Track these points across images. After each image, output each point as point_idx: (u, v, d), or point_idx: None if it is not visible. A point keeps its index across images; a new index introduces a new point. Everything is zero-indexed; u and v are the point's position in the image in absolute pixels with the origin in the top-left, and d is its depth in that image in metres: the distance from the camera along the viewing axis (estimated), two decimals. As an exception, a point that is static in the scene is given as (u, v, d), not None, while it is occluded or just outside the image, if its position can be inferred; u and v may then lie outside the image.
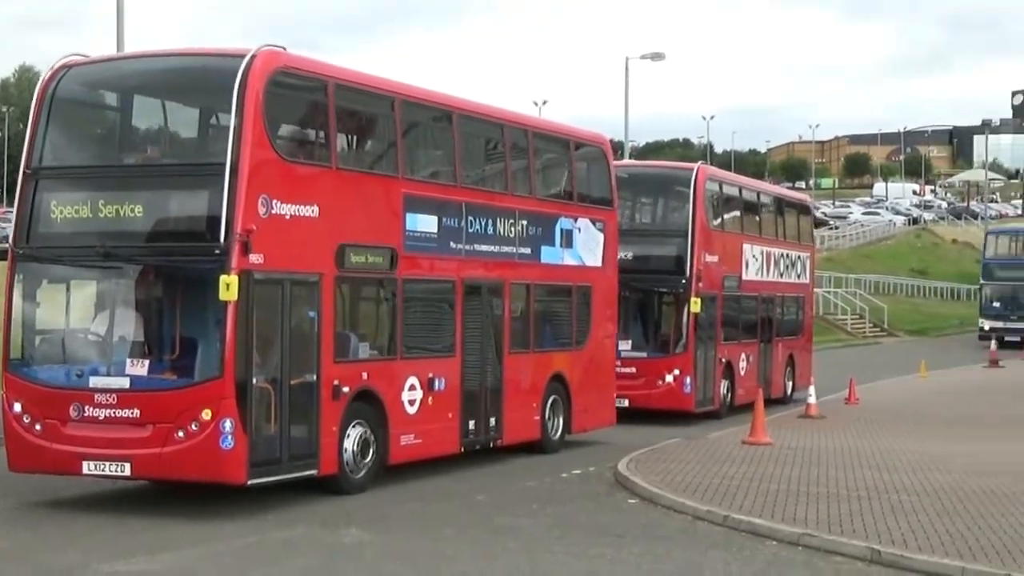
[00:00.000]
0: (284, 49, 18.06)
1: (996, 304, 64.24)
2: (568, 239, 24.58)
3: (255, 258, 16.85)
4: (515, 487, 20.29)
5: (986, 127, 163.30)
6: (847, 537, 15.68)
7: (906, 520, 16.76)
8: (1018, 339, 60.64)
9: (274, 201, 17.29)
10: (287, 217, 17.54)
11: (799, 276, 37.51)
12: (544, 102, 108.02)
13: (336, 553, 15.06)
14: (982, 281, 66.29)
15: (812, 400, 30.95)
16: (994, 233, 72.03)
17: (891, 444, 25.18)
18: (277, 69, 17.66)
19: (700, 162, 33.65)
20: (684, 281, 29.51)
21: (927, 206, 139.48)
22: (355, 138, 20.53)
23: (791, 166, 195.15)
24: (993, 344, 55.22)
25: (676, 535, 16.34)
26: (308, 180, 18.20)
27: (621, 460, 21.85)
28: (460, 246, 21.46)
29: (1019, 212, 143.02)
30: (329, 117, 18.76)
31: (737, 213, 33.71)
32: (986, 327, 63.83)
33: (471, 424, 21.77)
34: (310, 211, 17.97)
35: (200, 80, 18.79)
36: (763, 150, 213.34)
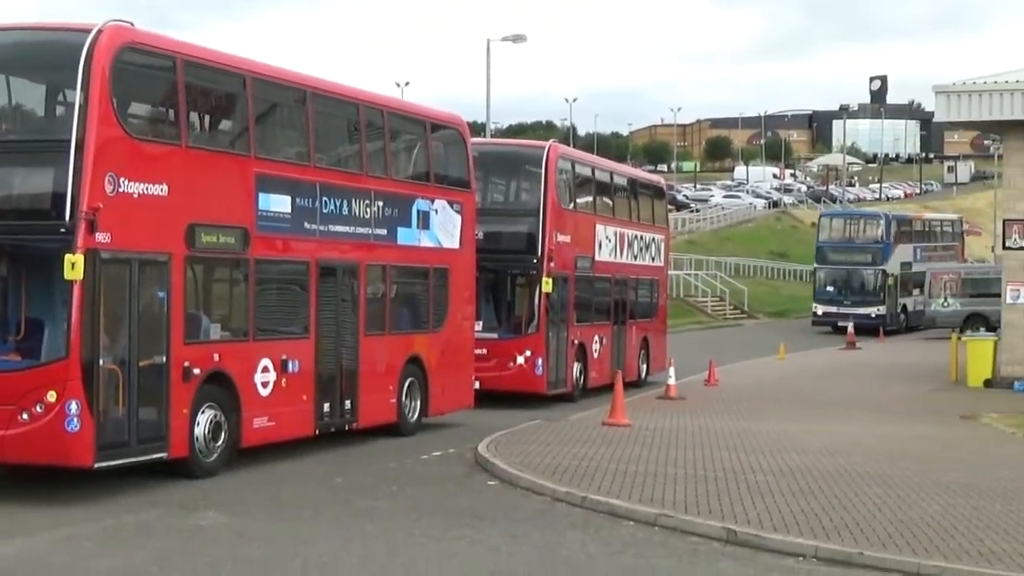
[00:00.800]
0: (132, 24, 17.78)
1: (830, 288, 63.58)
2: (425, 221, 24.52)
3: (102, 237, 16.60)
4: (374, 469, 20.25)
5: (844, 112, 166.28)
6: (703, 517, 15.88)
7: (762, 500, 17.01)
8: (851, 324, 57.66)
9: (121, 179, 17.05)
10: (135, 196, 17.30)
11: (653, 258, 37.59)
12: (406, 83, 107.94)
13: (192, 536, 14.93)
14: (816, 265, 65.81)
15: (672, 381, 31.23)
16: (828, 216, 71.87)
17: (749, 425, 25.51)
18: (124, 45, 17.39)
19: (552, 140, 33.57)
20: (535, 261, 29.36)
21: (787, 189, 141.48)
22: (206, 116, 20.27)
23: (653, 149, 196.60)
24: (851, 327, 55.97)
25: (535, 516, 16.43)
26: (157, 158, 17.96)
27: (481, 442, 21.92)
28: (315, 227, 21.31)
29: (877, 196, 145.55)
30: (178, 94, 18.51)
31: (590, 193, 33.59)
32: (819, 312, 63.92)
33: (326, 407, 21.66)
34: (159, 190, 17.74)
35: (45, 55, 18.40)
36: (625, 133, 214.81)
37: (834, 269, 63.59)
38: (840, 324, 59.67)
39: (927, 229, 71.01)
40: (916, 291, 64.51)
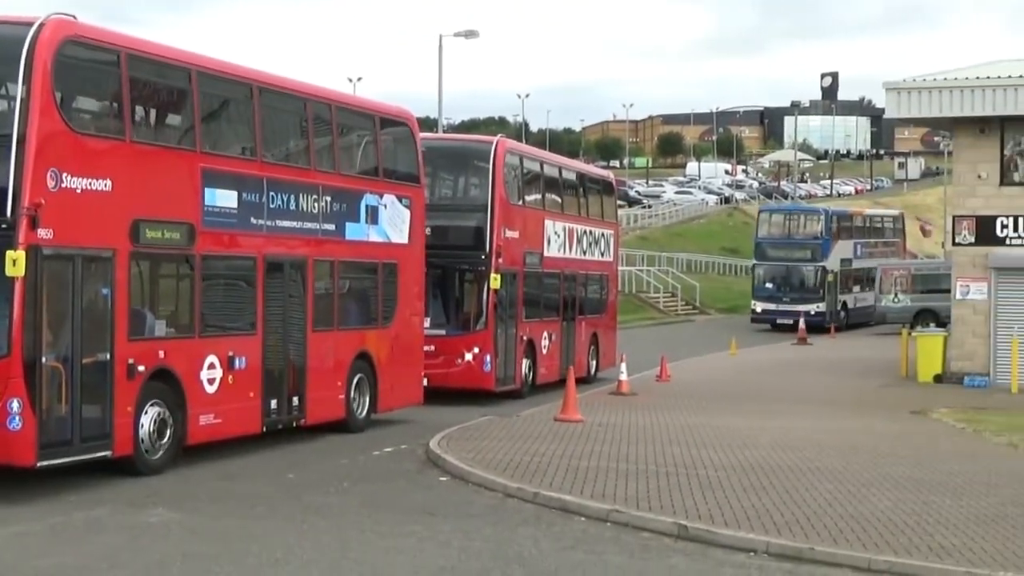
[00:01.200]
0: (75, 18, 17.63)
1: (768, 285, 61.81)
2: (373, 216, 24.41)
3: (44, 233, 16.47)
4: (326, 465, 20.20)
5: (796, 108, 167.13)
6: (655, 513, 15.89)
7: (713, 496, 17.02)
8: (791, 322, 57.51)
9: (64, 174, 16.91)
10: (78, 191, 17.16)
11: (603, 254, 37.47)
12: (358, 79, 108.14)
13: (142, 533, 14.86)
14: (755, 261, 64.07)
15: (624, 377, 31.19)
16: (767, 211, 70.06)
17: (701, 420, 25.54)
18: (67, 38, 17.24)
19: (500, 135, 33.43)
20: (484, 257, 29.21)
21: (739, 186, 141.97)
22: (151, 110, 20.12)
23: (605, 145, 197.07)
24: (802, 322, 56.04)
25: (487, 512, 16.41)
26: (101, 153, 17.82)
27: (433, 438, 21.89)
28: (261, 222, 21.19)
29: (828, 192, 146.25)
30: (122, 88, 18.34)
31: (539, 188, 33.42)
32: (758, 309, 62.42)
33: (273, 403, 21.54)
34: (103, 185, 17.60)
35: None
36: (578, 129, 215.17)
37: (773, 266, 62.10)
38: (779, 322, 59.24)
39: (868, 225, 69.57)
40: (857, 288, 63.91)
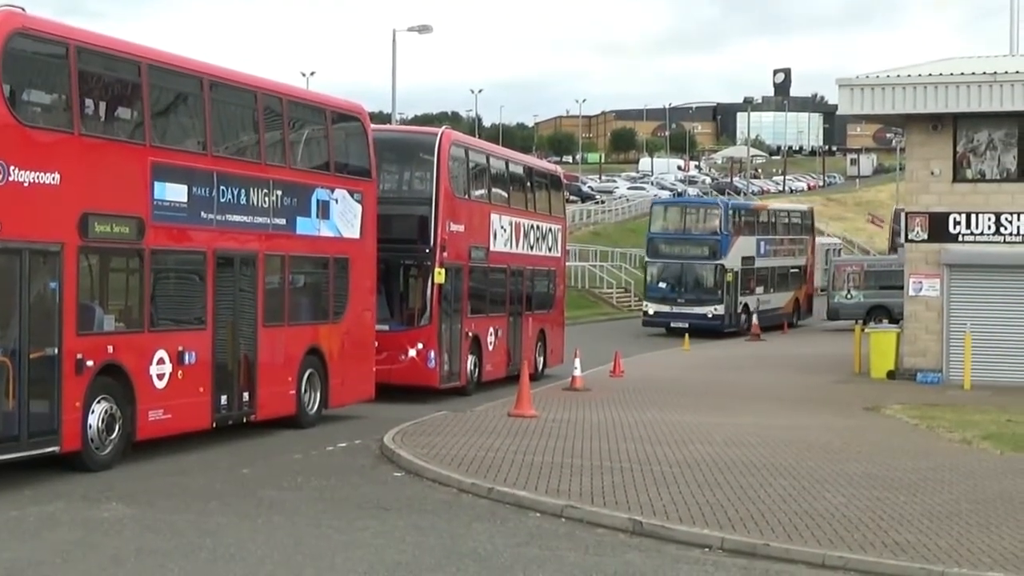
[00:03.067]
0: (23, 10, 17.55)
1: (662, 285, 56.40)
2: (325, 210, 24.36)
3: (-10, 226, 16.37)
4: (280, 460, 20.20)
5: (748, 104, 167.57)
6: (609, 509, 15.93)
7: (668, 491, 17.07)
8: (686, 325, 52.92)
9: (11, 167, 16.85)
10: (25, 184, 17.09)
11: (550, 249, 37.14)
12: (312, 73, 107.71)
13: (96, 527, 14.83)
14: (647, 259, 58.37)
15: (577, 372, 31.22)
16: (661, 204, 64.29)
17: (655, 416, 25.59)
18: (15, 30, 17.16)
19: (445, 126, 33.10)
20: (428, 251, 28.89)
21: (691, 181, 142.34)
22: (101, 103, 19.96)
23: (558, 140, 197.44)
24: (755, 319, 56.14)
25: (440, 508, 16.42)
26: (49, 146, 17.72)
27: (387, 433, 21.89)
28: (211, 216, 21.14)
29: (780, 188, 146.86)
30: (71, 81, 18.24)
31: (485, 182, 33.07)
32: (651, 311, 56.70)
33: (223, 399, 21.50)
34: (51, 178, 17.53)
35: None
36: (531, 124, 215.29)
37: (667, 264, 56.48)
38: (674, 325, 54.76)
39: (773, 220, 63.14)
40: (760, 289, 58.96)
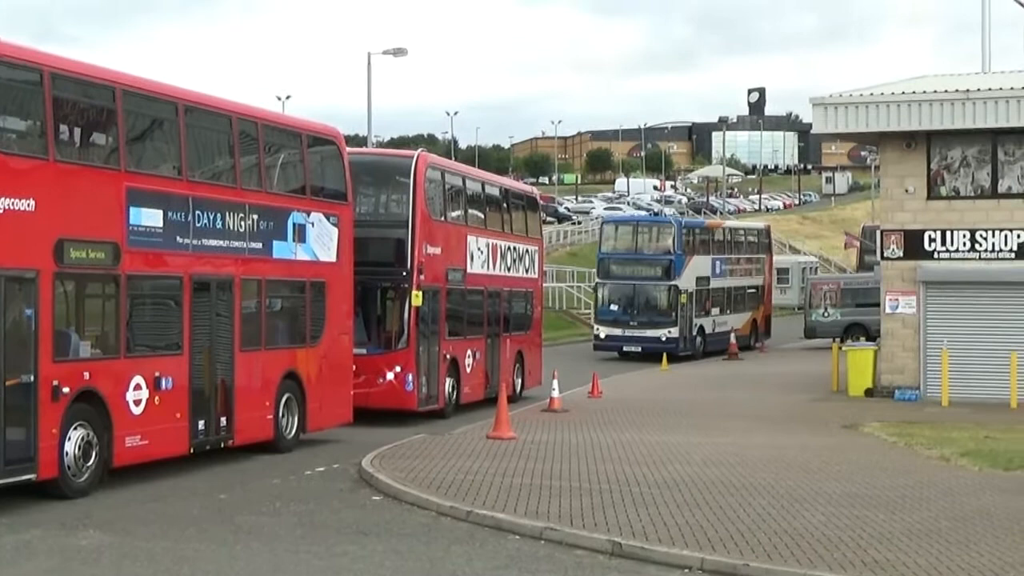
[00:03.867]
0: (-6, 36, 17.51)
1: (613, 307, 53.55)
2: (301, 234, 24.34)
3: (-36, 254, 16.34)
4: (258, 485, 20.16)
5: (723, 124, 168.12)
6: (589, 530, 15.90)
7: (647, 512, 17.06)
8: (638, 349, 51.59)
9: (-14, 194, 16.79)
10: (0, 211, 17.00)
11: (527, 270, 37.12)
12: (287, 96, 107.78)
13: (74, 556, 14.80)
14: (598, 280, 55.39)
15: (556, 394, 31.21)
16: (611, 223, 60.27)
17: (633, 437, 25.59)
18: (-14, 57, 17.12)
19: (421, 149, 33.11)
20: (405, 273, 28.91)
21: (668, 201, 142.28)
22: (75, 129, 19.91)
23: (534, 162, 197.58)
24: (733, 337, 56.12)
25: (419, 531, 16.39)
26: (24, 172, 17.67)
27: (365, 457, 21.86)
28: (187, 241, 21.11)
29: (756, 207, 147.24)
30: (45, 106, 18.19)
31: (461, 204, 33.09)
32: (602, 335, 53.81)
33: (201, 424, 21.43)
34: (25, 204, 17.49)
35: None
36: (507, 146, 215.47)
37: (618, 285, 53.55)
38: (626, 349, 52.75)
39: (729, 239, 60.26)
40: (716, 310, 56.70)
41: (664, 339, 52.13)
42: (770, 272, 64.25)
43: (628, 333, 52.74)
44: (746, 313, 59.75)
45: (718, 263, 56.61)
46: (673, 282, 52.53)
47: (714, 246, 57.21)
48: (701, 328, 54.84)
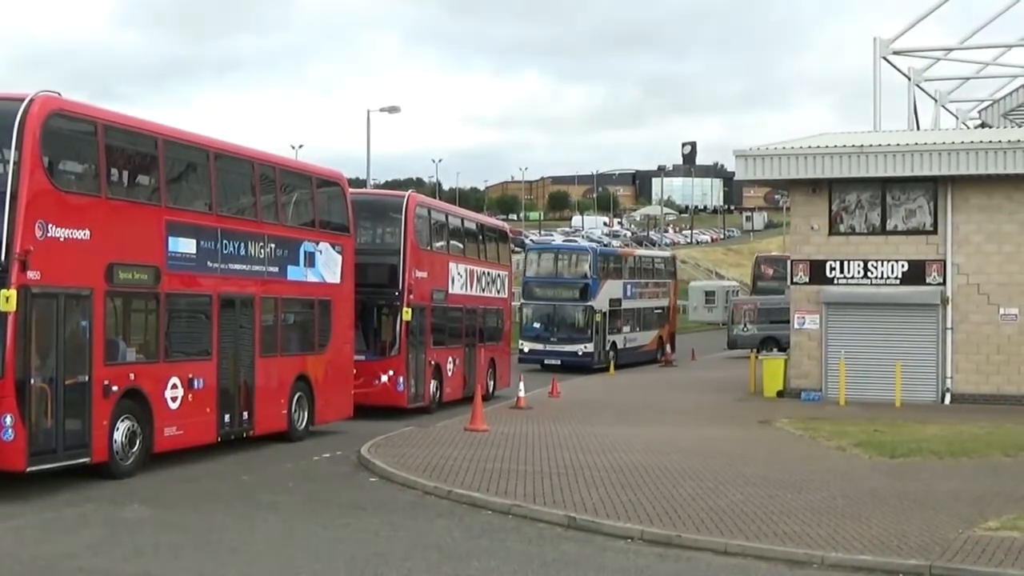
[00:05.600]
0: (59, 94, 17.56)
1: (536, 325, 50.90)
2: (311, 260, 24.36)
3: (32, 275, 16.41)
4: (274, 469, 20.15)
5: (662, 171, 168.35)
6: (549, 507, 15.94)
7: (597, 492, 17.09)
8: (558, 362, 49.14)
9: (50, 226, 16.87)
10: (61, 239, 17.09)
11: (499, 291, 37.17)
12: (300, 145, 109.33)
13: (121, 525, 14.85)
14: (522, 300, 52.78)
15: (522, 394, 31.25)
16: (535, 250, 57.58)
17: (586, 430, 25.57)
18: (52, 111, 17.16)
19: (411, 190, 33.22)
20: (397, 293, 29.04)
21: (615, 235, 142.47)
22: (123, 172, 19.93)
23: (504, 201, 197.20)
24: (668, 347, 56.10)
25: (408, 507, 16.42)
26: (80, 208, 17.70)
27: (363, 445, 21.82)
28: (216, 265, 21.12)
29: (688, 240, 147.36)
30: (99, 153, 18.25)
31: (444, 236, 33.19)
32: (526, 349, 50.76)
33: (227, 417, 21.45)
34: (82, 234, 17.52)
35: None
36: (482, 188, 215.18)
37: (540, 305, 50.99)
38: (547, 362, 49.87)
39: (639, 265, 57.63)
40: (627, 328, 53.90)
41: (581, 353, 49.86)
42: (675, 295, 62.20)
43: (549, 348, 50.31)
44: (653, 331, 57.57)
45: (629, 287, 54.49)
46: (589, 303, 50.23)
47: (626, 271, 55.12)
48: (614, 344, 52.41)
